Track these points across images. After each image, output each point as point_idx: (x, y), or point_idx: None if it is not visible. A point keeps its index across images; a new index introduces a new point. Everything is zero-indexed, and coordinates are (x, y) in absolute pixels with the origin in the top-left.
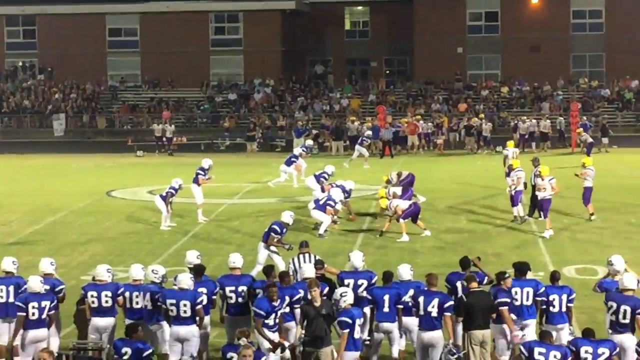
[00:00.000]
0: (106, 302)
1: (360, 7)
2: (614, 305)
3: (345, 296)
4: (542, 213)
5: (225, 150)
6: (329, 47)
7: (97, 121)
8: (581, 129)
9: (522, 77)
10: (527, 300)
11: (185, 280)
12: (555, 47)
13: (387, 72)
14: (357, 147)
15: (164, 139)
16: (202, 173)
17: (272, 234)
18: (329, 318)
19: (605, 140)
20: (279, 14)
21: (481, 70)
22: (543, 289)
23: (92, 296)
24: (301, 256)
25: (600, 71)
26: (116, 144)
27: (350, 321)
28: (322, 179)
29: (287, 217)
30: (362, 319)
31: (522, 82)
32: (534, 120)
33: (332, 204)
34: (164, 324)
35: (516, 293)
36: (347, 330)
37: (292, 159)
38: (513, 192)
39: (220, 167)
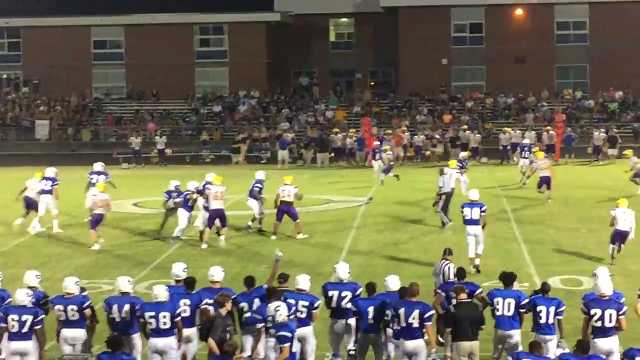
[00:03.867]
0: (72, 315)
1: (345, 19)
2: (598, 311)
3: (279, 310)
4: None
5: (211, 162)
6: (314, 58)
7: (82, 134)
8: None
9: (506, 89)
10: (509, 311)
11: (162, 293)
12: (540, 58)
13: (372, 83)
14: (373, 162)
15: (157, 150)
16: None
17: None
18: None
19: (613, 151)
20: (264, 26)
21: (466, 82)
22: (526, 300)
23: (59, 310)
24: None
25: (584, 82)
26: (101, 156)
27: (289, 335)
28: (255, 188)
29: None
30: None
31: (507, 94)
32: (518, 132)
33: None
34: (136, 336)
35: (498, 303)
36: (287, 344)
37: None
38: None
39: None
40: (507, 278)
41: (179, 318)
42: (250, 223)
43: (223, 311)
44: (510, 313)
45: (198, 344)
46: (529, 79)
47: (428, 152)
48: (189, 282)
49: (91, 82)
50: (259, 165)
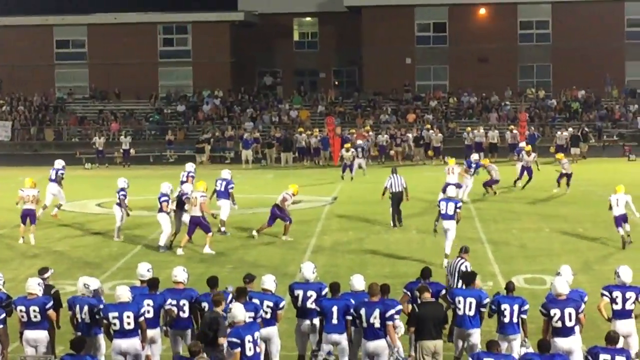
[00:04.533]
0: (35, 316)
1: (308, 19)
2: (558, 311)
3: (230, 313)
4: None
5: (174, 162)
6: (278, 58)
7: (44, 134)
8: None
9: (470, 88)
10: (470, 310)
11: (125, 293)
12: (503, 57)
13: (336, 83)
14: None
15: (122, 150)
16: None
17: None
18: None
19: (576, 150)
20: (228, 26)
21: (429, 81)
22: (487, 299)
23: (20, 311)
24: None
25: (547, 81)
26: (64, 156)
27: (238, 341)
28: (231, 189)
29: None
30: (256, 334)
31: (470, 93)
32: (482, 131)
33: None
34: (101, 337)
35: (459, 302)
36: (237, 350)
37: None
38: None
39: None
40: (468, 277)
41: (142, 318)
42: (223, 228)
43: (219, 310)
44: (472, 312)
45: (162, 345)
46: (492, 78)
47: (392, 152)
48: (152, 283)
49: (54, 82)
50: (223, 165)
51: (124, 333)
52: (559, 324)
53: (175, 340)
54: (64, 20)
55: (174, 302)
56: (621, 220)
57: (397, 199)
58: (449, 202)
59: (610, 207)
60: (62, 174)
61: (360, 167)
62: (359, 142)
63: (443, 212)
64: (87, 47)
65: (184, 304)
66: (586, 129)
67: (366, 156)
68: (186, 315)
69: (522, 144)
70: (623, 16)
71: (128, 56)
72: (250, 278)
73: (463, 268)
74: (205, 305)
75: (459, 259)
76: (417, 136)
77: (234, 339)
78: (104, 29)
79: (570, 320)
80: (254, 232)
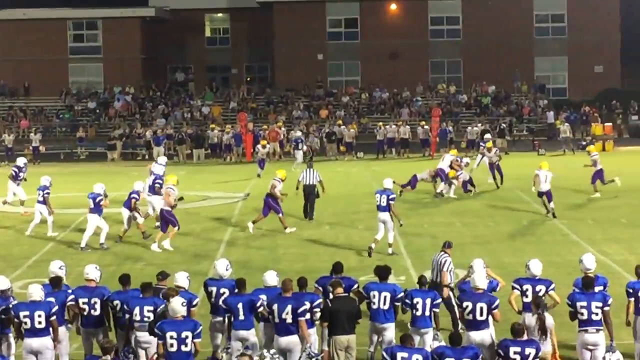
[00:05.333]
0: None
1: (220, 14)
2: (470, 304)
3: (169, 306)
4: None
5: (85, 159)
6: (190, 54)
7: None
8: None
9: (382, 84)
10: (384, 304)
11: (37, 292)
12: (414, 53)
13: (248, 79)
14: (296, 152)
15: (31, 147)
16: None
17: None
18: None
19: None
20: (139, 21)
21: (341, 77)
22: (402, 293)
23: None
24: None
25: (458, 77)
26: None
27: (160, 333)
28: (157, 184)
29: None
30: (184, 333)
31: (382, 89)
32: (394, 127)
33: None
34: (10, 336)
35: (374, 296)
36: (160, 342)
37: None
38: None
39: (80, 176)
40: (382, 272)
41: (54, 317)
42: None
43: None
44: (386, 307)
45: (74, 344)
46: (403, 74)
47: (304, 148)
48: (55, 281)
49: None
50: (135, 162)
51: (35, 331)
52: (470, 317)
53: (87, 338)
54: None
55: (85, 300)
56: (550, 195)
57: (308, 192)
58: (382, 194)
59: (535, 184)
60: None
61: (297, 158)
62: (298, 134)
63: (377, 203)
64: None
65: (94, 302)
66: (503, 124)
67: (304, 150)
68: (97, 313)
69: (488, 136)
70: (532, 12)
71: (37, 52)
72: (163, 275)
73: (442, 261)
74: (117, 303)
75: (442, 253)
76: (329, 132)
77: (158, 332)
78: (13, 24)
79: (481, 314)
80: (250, 224)
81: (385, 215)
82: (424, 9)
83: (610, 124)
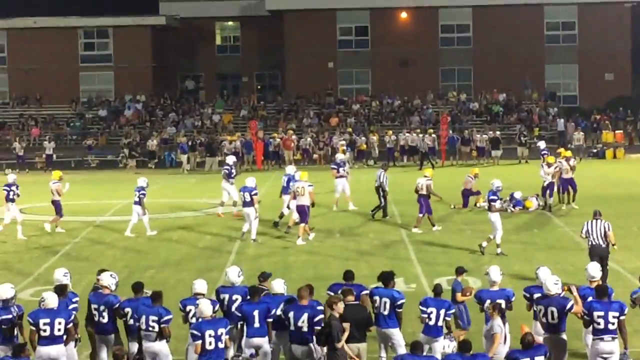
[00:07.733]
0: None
1: (230, 23)
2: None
3: (198, 308)
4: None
5: (96, 167)
6: (200, 62)
7: None
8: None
9: (392, 91)
10: (385, 309)
11: (53, 300)
12: (424, 61)
13: (259, 87)
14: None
15: (44, 155)
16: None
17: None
18: None
19: (497, 152)
20: (149, 30)
21: (352, 85)
22: (402, 300)
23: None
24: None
25: (468, 85)
26: None
27: (198, 333)
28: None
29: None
30: (220, 330)
31: (393, 97)
32: (406, 135)
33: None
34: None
35: (376, 302)
36: (198, 342)
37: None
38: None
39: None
40: (385, 277)
41: (71, 325)
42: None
43: (335, 313)
44: (387, 312)
45: (85, 351)
46: (414, 82)
47: (315, 155)
48: (60, 289)
49: None
50: (147, 170)
51: (53, 339)
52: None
53: (100, 345)
54: None
55: (96, 305)
56: (567, 184)
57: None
58: (245, 192)
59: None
60: None
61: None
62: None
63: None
64: (6, 52)
65: (103, 310)
66: (525, 133)
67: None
68: (105, 320)
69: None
70: (543, 20)
71: (48, 61)
72: (264, 276)
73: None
74: (128, 310)
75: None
76: (352, 140)
77: (195, 332)
78: (24, 33)
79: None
80: (286, 226)
81: (250, 210)
82: (434, 17)
83: (621, 131)
